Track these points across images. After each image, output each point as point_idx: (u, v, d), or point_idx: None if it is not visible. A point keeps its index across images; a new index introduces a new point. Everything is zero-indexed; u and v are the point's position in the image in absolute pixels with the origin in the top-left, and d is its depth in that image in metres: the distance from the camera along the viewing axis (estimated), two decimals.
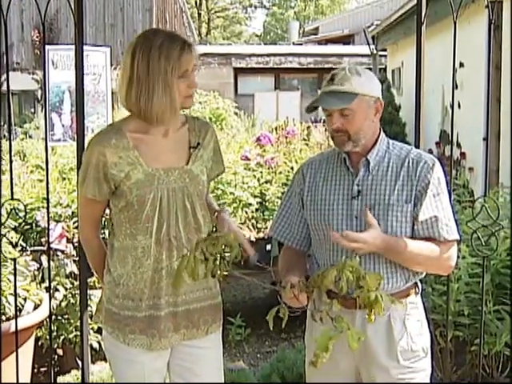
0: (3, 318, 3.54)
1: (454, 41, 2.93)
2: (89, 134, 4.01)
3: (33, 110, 14.41)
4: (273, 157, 6.23)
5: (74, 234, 4.24)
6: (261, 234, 5.58)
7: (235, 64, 18.67)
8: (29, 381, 3.88)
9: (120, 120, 2.38)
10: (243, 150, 6.38)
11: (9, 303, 3.43)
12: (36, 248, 4.39)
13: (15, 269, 3.11)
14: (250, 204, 5.67)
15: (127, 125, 2.30)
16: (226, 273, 2.04)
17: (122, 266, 2.29)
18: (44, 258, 4.12)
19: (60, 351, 4.26)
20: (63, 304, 4.14)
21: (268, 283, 2.48)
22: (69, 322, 4.14)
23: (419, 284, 2.41)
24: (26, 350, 3.78)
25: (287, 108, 16.81)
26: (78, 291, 3.45)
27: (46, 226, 3.25)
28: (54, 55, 5.64)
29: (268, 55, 18.86)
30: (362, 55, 16.74)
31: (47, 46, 5.78)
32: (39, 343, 4.09)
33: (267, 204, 5.86)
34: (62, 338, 4.13)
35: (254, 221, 5.73)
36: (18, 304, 3.57)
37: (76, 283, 4.02)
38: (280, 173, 6.15)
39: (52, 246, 4.08)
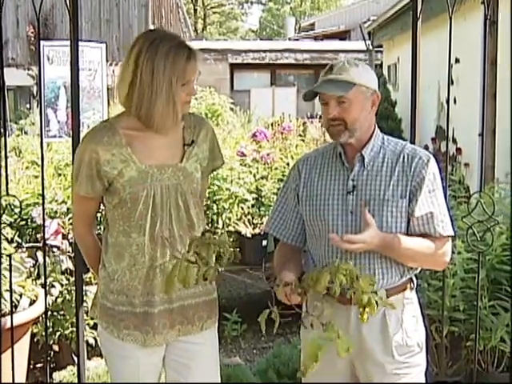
0: None
1: (450, 36, 2.93)
2: (84, 130, 3.99)
3: (28, 106, 14.35)
4: (269, 152, 6.24)
5: (69, 231, 4.24)
6: (257, 230, 5.59)
7: (231, 60, 18.65)
8: (24, 377, 3.88)
9: (113, 116, 2.38)
10: (239, 146, 6.38)
11: (4, 299, 3.43)
12: (32, 244, 4.39)
13: (10, 265, 3.11)
14: (246, 200, 5.68)
15: (120, 121, 2.29)
16: (217, 273, 2.03)
17: (117, 262, 2.29)
18: (40, 255, 4.12)
19: (56, 347, 4.26)
20: (59, 300, 4.13)
21: (261, 282, 2.48)
22: (64, 318, 4.14)
23: (414, 279, 2.42)
24: (22, 346, 3.78)
25: (283, 104, 16.78)
26: (73, 287, 3.44)
27: (42, 222, 3.24)
28: (49, 51, 5.63)
29: (264, 51, 18.84)
30: (358, 51, 16.72)
31: (42, 42, 5.77)
32: (35, 339, 4.09)
33: (263, 200, 5.86)
34: (57, 334, 4.13)
35: (249, 216, 5.74)
36: (14, 300, 3.57)
37: (72, 279, 4.02)
38: (276, 168, 6.16)
39: (48, 242, 4.08)
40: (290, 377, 3.86)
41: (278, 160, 6.28)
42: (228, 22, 48.65)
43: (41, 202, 3.20)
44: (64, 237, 4.28)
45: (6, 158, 3.30)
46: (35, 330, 4.09)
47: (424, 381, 2.42)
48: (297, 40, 25.89)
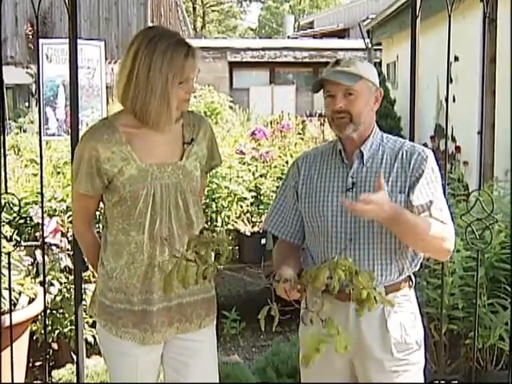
0: None
1: (449, 34, 2.93)
2: (83, 129, 3.99)
3: (27, 104, 14.35)
4: (268, 151, 6.24)
5: (68, 229, 4.23)
6: (256, 228, 5.60)
7: (230, 58, 18.65)
8: (23, 375, 3.88)
9: (113, 114, 2.37)
10: (238, 144, 6.38)
11: (3, 298, 3.43)
12: (30, 243, 4.38)
13: (9, 263, 3.10)
14: (245, 198, 5.68)
15: (120, 119, 2.29)
16: (215, 273, 2.03)
17: (116, 260, 2.29)
18: (38, 253, 4.12)
19: (55, 345, 4.26)
20: (58, 298, 4.13)
21: (260, 280, 2.47)
22: (63, 317, 4.14)
23: (413, 277, 2.42)
24: (21, 345, 3.78)
25: (282, 102, 16.79)
26: (72, 285, 3.44)
27: (41, 220, 3.24)
28: (48, 49, 5.62)
29: (263, 49, 18.85)
30: (357, 49, 16.73)
31: (41, 40, 5.76)
32: (34, 337, 4.09)
33: (262, 198, 5.87)
34: (56, 332, 4.13)
35: (248, 215, 5.74)
36: (13, 298, 3.56)
37: (71, 277, 4.02)
38: (275, 167, 6.16)
39: (46, 240, 4.08)
40: (289, 375, 3.86)
41: (276, 158, 6.29)
42: (227, 20, 48.62)
43: (40, 200, 3.20)
44: (63, 235, 4.28)
45: (5, 156, 3.30)
46: (34, 328, 4.09)
47: (423, 378, 2.42)
48: (296, 38, 25.89)
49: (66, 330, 4.13)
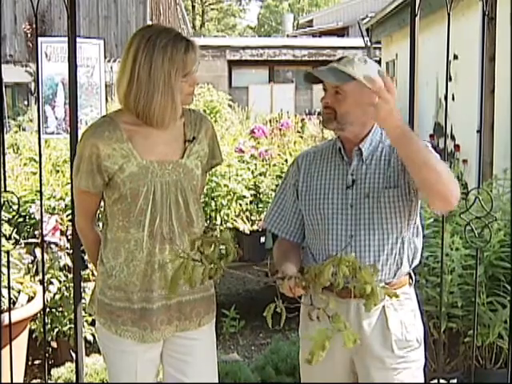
0: None
1: (448, 33, 2.93)
2: (82, 127, 4.00)
3: (26, 103, 14.35)
4: (267, 149, 6.23)
5: (67, 227, 4.23)
6: (255, 227, 5.59)
7: (229, 56, 18.65)
8: (23, 373, 3.88)
9: (114, 111, 2.37)
10: (237, 143, 6.37)
11: (2, 296, 3.42)
12: (30, 241, 4.38)
13: (8, 261, 3.10)
14: (244, 196, 5.67)
15: (121, 116, 2.29)
16: (222, 273, 2.03)
17: (115, 257, 2.29)
18: (38, 251, 4.12)
19: (54, 344, 4.26)
20: (57, 297, 4.14)
21: (262, 277, 2.47)
22: (63, 315, 4.15)
23: (413, 275, 2.42)
24: (20, 343, 3.78)
25: (281, 101, 16.79)
26: (71, 284, 3.44)
27: (40, 218, 3.24)
28: (47, 47, 5.61)
29: (262, 47, 18.85)
30: (357, 48, 16.73)
31: (40, 39, 5.75)
32: (33, 336, 4.09)
33: (261, 196, 5.86)
34: (56, 330, 4.13)
35: (248, 213, 5.73)
36: (12, 297, 3.56)
37: (70, 276, 4.02)
38: (274, 165, 6.15)
39: (46, 238, 4.08)
40: (288, 373, 3.86)
41: (276, 157, 6.28)
42: (226, 18, 48.62)
43: (39, 198, 3.19)
44: (62, 233, 4.28)
45: (4, 154, 3.30)
46: (33, 327, 4.09)
47: (422, 376, 2.42)
48: (295, 37, 25.89)
49: (65, 329, 4.13)
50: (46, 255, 3.97)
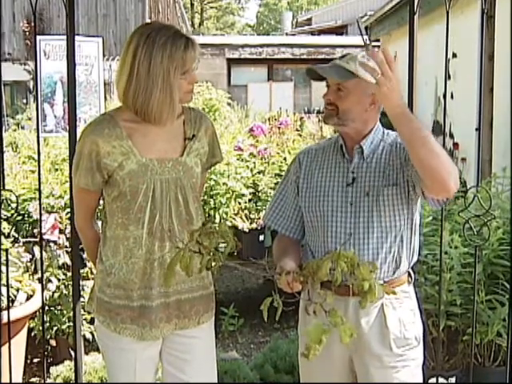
0: None
1: (447, 31, 2.93)
2: (81, 125, 3.99)
3: (25, 101, 14.33)
4: (266, 147, 6.24)
5: (66, 225, 4.23)
6: (254, 225, 5.59)
7: (228, 55, 18.62)
8: (21, 372, 3.88)
9: (113, 109, 2.37)
10: (236, 141, 6.37)
11: (1, 294, 3.42)
12: (28, 239, 4.38)
13: (7, 260, 3.10)
14: (243, 195, 5.68)
15: (121, 114, 2.29)
16: (220, 264, 2.03)
17: (114, 255, 2.29)
18: (36, 249, 4.12)
19: (53, 342, 4.26)
20: (56, 295, 4.13)
21: (260, 272, 2.48)
22: (62, 313, 4.15)
23: (412, 274, 2.42)
24: (19, 341, 3.78)
25: (280, 99, 16.80)
26: (70, 282, 3.44)
27: (39, 216, 3.24)
28: (45, 45, 5.60)
29: (261, 46, 18.81)
30: (356, 46, 16.71)
31: (39, 37, 5.74)
32: (32, 334, 4.09)
33: (260, 194, 5.87)
34: (54, 328, 4.13)
35: (246, 211, 5.74)
36: (11, 295, 3.56)
37: (69, 274, 4.02)
38: (273, 163, 6.16)
39: (44, 236, 4.07)
40: (287, 371, 3.86)
41: (275, 155, 6.29)
42: (225, 16, 48.60)
43: (37, 196, 3.19)
44: (61, 231, 4.27)
45: (3, 152, 3.30)
46: (32, 325, 4.09)
47: (421, 374, 2.42)
48: (294, 35, 25.87)
49: (64, 327, 4.13)
50: (44, 253, 3.97)
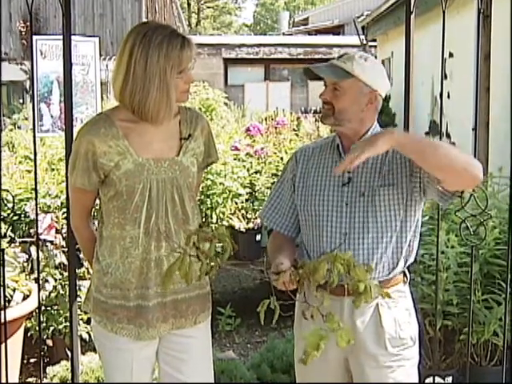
0: None
1: (443, 31, 2.94)
2: (78, 125, 3.99)
3: (21, 101, 14.31)
4: (262, 147, 6.24)
5: (62, 225, 4.22)
6: (250, 225, 5.60)
7: (225, 54, 18.63)
8: (18, 372, 3.88)
9: (110, 109, 2.37)
10: (233, 141, 6.38)
11: None
12: (25, 239, 4.38)
13: (3, 260, 3.10)
14: (240, 194, 5.69)
15: (117, 113, 2.29)
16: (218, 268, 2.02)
17: (110, 255, 2.28)
18: (33, 249, 4.11)
19: (50, 342, 4.26)
20: (52, 295, 4.13)
21: (257, 273, 2.47)
22: (58, 313, 4.14)
23: (408, 273, 2.42)
24: (16, 341, 3.78)
25: (277, 98, 16.81)
26: (67, 282, 3.44)
27: (35, 216, 3.24)
28: (42, 45, 5.61)
29: (258, 46, 18.83)
30: (352, 46, 16.73)
31: (35, 36, 5.75)
32: (28, 334, 4.08)
33: (257, 194, 5.88)
34: (51, 328, 4.12)
35: (243, 211, 5.74)
36: (7, 295, 3.56)
37: (65, 274, 4.01)
38: (270, 163, 6.17)
39: (41, 236, 4.07)
40: (284, 371, 3.86)
41: (271, 154, 6.30)
42: (222, 16, 48.60)
43: (34, 196, 3.19)
44: (57, 231, 4.27)
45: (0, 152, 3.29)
46: (29, 325, 4.09)
47: (417, 374, 2.42)
48: (290, 35, 25.87)
49: (60, 327, 4.12)
50: (41, 253, 3.97)
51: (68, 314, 3.29)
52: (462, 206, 2.93)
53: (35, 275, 3.84)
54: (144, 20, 15.97)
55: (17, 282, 3.88)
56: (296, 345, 2.51)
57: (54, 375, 3.93)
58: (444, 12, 2.91)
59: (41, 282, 3.63)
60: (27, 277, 4.04)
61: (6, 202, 3.16)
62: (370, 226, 2.28)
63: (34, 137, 3.18)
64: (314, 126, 9.30)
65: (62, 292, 4.10)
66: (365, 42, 14.97)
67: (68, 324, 3.54)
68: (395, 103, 11.24)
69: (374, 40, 15.38)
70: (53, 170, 5.69)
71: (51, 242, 4.20)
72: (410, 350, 2.35)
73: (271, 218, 2.52)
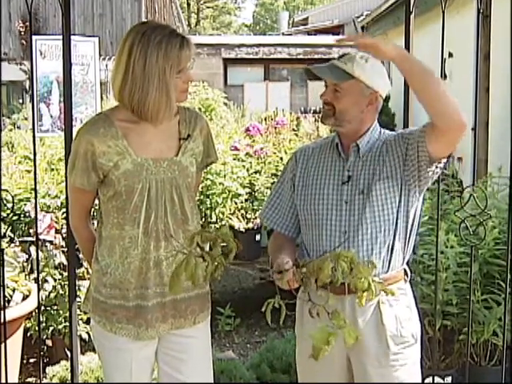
0: None
1: (443, 31, 2.94)
2: (77, 125, 3.99)
3: (21, 101, 14.29)
4: (262, 147, 6.24)
5: (62, 225, 4.22)
6: (250, 225, 5.60)
7: (225, 54, 18.60)
8: (17, 372, 3.88)
9: (109, 109, 2.37)
10: (232, 141, 6.38)
11: None
12: (24, 239, 4.37)
13: (3, 260, 3.10)
14: (240, 194, 5.68)
15: (116, 113, 2.29)
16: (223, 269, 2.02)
17: (110, 255, 2.28)
18: (33, 249, 4.11)
19: (49, 342, 4.26)
20: (52, 295, 4.13)
21: (259, 273, 2.48)
22: (58, 313, 4.14)
23: (408, 271, 2.42)
24: (15, 341, 3.78)
25: (277, 98, 16.79)
26: (66, 282, 3.44)
27: (35, 216, 3.24)
28: (41, 45, 5.60)
29: (257, 46, 18.79)
30: (352, 46, 16.71)
31: (35, 36, 5.75)
32: (28, 334, 4.09)
33: (256, 194, 5.87)
34: (51, 328, 4.13)
35: (243, 211, 5.74)
36: (7, 295, 3.56)
37: (65, 274, 4.01)
38: (269, 163, 6.17)
39: (41, 236, 4.07)
40: (284, 371, 3.86)
41: (271, 154, 6.29)
42: (221, 16, 48.60)
43: (33, 196, 3.19)
44: (57, 231, 4.27)
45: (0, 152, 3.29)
46: (28, 325, 4.09)
47: (419, 372, 2.42)
48: (290, 35, 25.86)
49: (60, 327, 4.12)
50: (40, 253, 3.97)
51: (67, 314, 3.29)
52: (461, 206, 2.94)
53: (35, 275, 3.84)
54: (143, 20, 15.98)
55: (16, 282, 3.88)
56: (298, 344, 2.51)
57: (54, 375, 3.93)
58: (443, 12, 2.91)
59: (40, 282, 3.64)
60: (27, 277, 4.04)
61: (5, 201, 3.16)
62: (369, 221, 2.29)
63: (34, 137, 3.18)
64: (313, 126, 9.30)
65: (61, 292, 4.10)
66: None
67: (67, 324, 3.54)
68: (395, 103, 11.23)
69: None
70: (52, 170, 5.69)
71: (51, 242, 4.20)
72: (412, 348, 2.35)
73: (271, 218, 2.52)
